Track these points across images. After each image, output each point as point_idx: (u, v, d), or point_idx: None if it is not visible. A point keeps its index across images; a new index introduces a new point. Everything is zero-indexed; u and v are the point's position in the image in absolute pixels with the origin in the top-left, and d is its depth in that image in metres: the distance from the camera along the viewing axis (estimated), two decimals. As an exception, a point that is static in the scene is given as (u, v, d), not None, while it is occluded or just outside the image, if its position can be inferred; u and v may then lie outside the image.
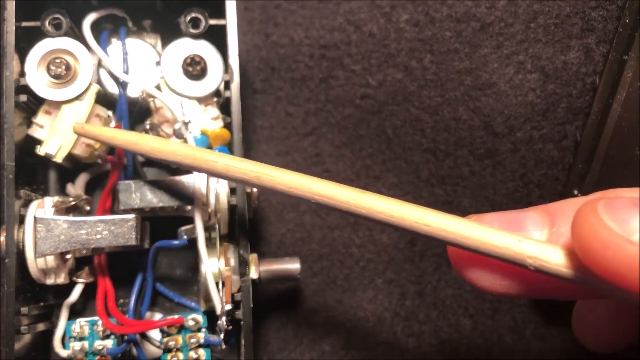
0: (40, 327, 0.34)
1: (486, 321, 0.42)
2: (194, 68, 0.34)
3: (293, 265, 0.36)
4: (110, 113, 0.35)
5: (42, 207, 0.32)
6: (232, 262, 0.34)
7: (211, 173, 0.27)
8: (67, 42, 0.33)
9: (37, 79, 0.33)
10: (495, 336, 0.42)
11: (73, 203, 0.34)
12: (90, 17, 0.34)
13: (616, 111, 0.36)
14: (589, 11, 0.40)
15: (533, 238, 0.20)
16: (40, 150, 0.33)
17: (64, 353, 0.34)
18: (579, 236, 0.18)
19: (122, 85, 0.34)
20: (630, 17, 0.37)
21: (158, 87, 0.35)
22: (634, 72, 0.36)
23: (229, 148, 0.34)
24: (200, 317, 0.35)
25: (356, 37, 0.41)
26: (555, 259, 0.19)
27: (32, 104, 0.33)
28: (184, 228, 0.33)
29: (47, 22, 0.33)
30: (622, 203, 0.18)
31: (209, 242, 0.34)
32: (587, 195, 0.21)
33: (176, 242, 0.33)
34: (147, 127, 0.36)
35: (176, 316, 0.34)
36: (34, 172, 0.36)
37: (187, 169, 0.29)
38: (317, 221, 0.42)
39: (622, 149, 0.37)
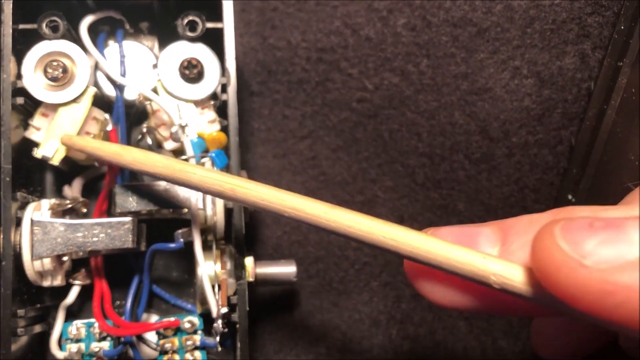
0: (37, 329, 0.34)
1: (481, 324, 0.43)
2: (191, 71, 0.34)
3: (289, 268, 0.36)
4: (107, 116, 0.35)
5: (39, 210, 0.33)
6: (228, 265, 0.34)
7: (190, 185, 0.27)
8: (64, 45, 0.33)
9: (34, 82, 0.33)
10: (490, 339, 0.43)
11: (70, 206, 0.34)
12: (87, 20, 0.34)
13: (610, 117, 0.37)
14: (585, 17, 0.40)
15: (496, 256, 0.20)
16: (37, 153, 0.33)
17: (60, 355, 0.34)
18: (535, 257, 0.18)
19: (119, 87, 0.35)
20: (625, 23, 0.37)
21: (155, 90, 0.35)
22: (629, 79, 0.36)
23: (225, 151, 0.34)
24: (196, 320, 0.35)
25: (353, 40, 0.41)
26: (518, 278, 0.19)
27: (29, 107, 0.33)
28: (180, 231, 0.33)
29: (44, 25, 0.33)
30: (578, 225, 0.18)
31: (206, 245, 0.34)
32: (542, 213, 0.21)
33: (172, 245, 0.33)
34: (144, 130, 0.36)
35: (172, 318, 0.35)
36: (30, 174, 0.36)
37: (170, 182, 0.30)
38: (313, 224, 0.42)
39: (616, 155, 0.37)
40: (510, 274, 0.19)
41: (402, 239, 0.21)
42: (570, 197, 0.39)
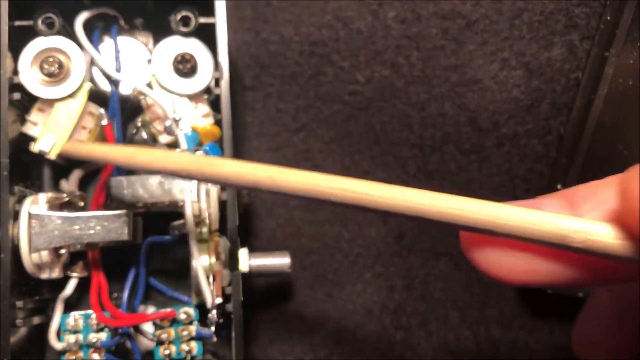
0: (36, 320, 0.35)
1: (474, 314, 0.43)
2: (185, 66, 0.35)
3: (283, 260, 0.36)
4: (102, 110, 0.35)
5: (37, 203, 0.33)
6: (223, 256, 0.34)
7: (219, 180, 0.24)
8: (59, 41, 0.34)
9: (31, 77, 0.33)
10: (483, 328, 0.43)
11: (67, 199, 0.34)
12: (82, 16, 0.35)
13: (598, 107, 0.37)
14: (572, 8, 0.41)
15: (575, 217, 0.18)
16: (34, 148, 0.33)
17: (58, 346, 0.35)
18: (628, 198, 0.16)
19: (114, 83, 0.35)
20: (611, 14, 0.38)
21: (149, 85, 0.35)
22: (615, 68, 0.37)
23: (219, 145, 0.35)
24: (192, 311, 0.36)
25: (344, 34, 0.42)
26: (604, 232, 0.17)
27: (26, 102, 0.34)
28: (175, 223, 0.34)
29: (39, 22, 0.34)
30: None
31: (200, 237, 0.34)
32: (604, 178, 0.20)
33: (168, 237, 0.34)
34: (139, 124, 0.36)
35: (168, 310, 0.35)
36: (28, 168, 0.36)
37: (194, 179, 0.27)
38: (307, 216, 0.42)
39: (604, 144, 0.37)
40: (594, 230, 0.17)
41: (465, 208, 0.19)
42: (559, 186, 0.40)
